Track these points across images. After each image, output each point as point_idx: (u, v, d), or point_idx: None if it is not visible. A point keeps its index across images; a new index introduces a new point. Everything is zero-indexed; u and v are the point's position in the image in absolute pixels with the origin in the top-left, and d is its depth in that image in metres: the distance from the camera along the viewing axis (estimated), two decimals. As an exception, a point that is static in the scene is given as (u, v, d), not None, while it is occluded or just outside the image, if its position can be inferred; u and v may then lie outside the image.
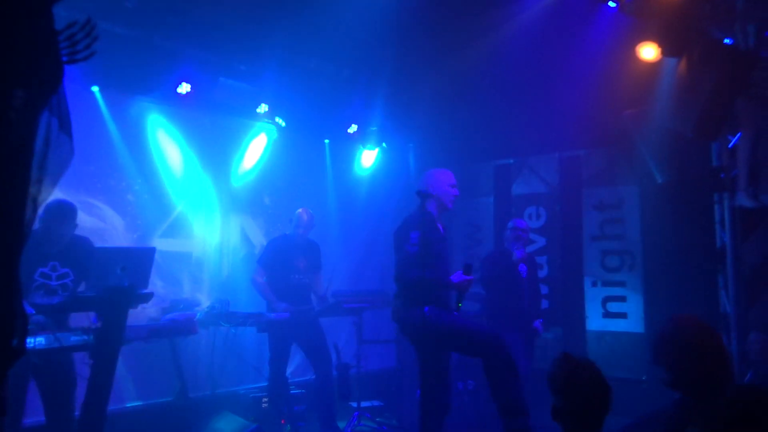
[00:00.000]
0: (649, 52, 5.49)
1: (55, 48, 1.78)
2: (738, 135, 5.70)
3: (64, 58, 1.87)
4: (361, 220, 7.85)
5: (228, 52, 5.88)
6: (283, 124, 6.74)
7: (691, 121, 5.47)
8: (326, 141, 7.47)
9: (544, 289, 7.23)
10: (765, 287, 5.67)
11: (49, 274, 4.09)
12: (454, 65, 6.09)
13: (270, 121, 6.73)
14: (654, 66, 5.65)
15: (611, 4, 5.01)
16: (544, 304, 7.15)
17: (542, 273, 7.32)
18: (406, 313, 4.10)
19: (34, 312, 3.76)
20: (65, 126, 1.95)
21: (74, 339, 3.81)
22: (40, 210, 1.89)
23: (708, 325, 2.43)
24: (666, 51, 5.37)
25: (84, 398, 3.80)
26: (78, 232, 4.29)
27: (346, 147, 7.65)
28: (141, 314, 4.61)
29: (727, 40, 5.41)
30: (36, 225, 1.92)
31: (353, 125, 7.21)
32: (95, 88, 5.43)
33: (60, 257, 4.13)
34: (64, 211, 4.10)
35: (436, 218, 4.31)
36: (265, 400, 5.67)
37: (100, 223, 5.44)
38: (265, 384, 5.70)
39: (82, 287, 4.23)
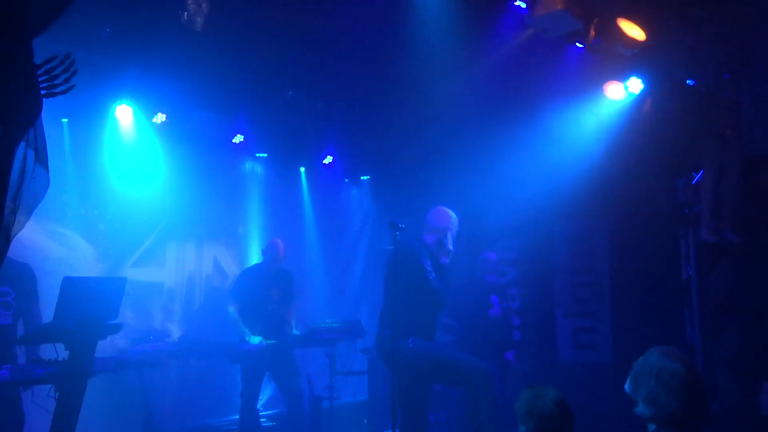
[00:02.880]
0: (615, 90, 5.69)
1: (34, 82, 1.80)
2: (701, 172, 5.90)
3: (43, 92, 1.89)
4: (334, 250, 7.87)
5: (204, 83, 5.92)
6: (265, 155, 6.78)
7: (656, 158, 5.66)
8: (302, 169, 7.50)
9: (516, 321, 7.29)
10: (729, 319, 5.82)
11: None
12: (427, 100, 6.21)
13: (249, 156, 6.77)
14: (620, 104, 5.85)
15: (578, 45, 5.19)
16: (516, 335, 7.20)
17: (514, 304, 7.39)
18: (393, 345, 4.10)
19: None
20: (41, 158, 1.96)
21: (40, 371, 3.72)
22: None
23: (689, 359, 2.46)
24: (631, 89, 5.58)
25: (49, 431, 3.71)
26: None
27: (321, 178, 7.69)
28: (110, 345, 4.54)
29: (689, 81, 5.64)
30: None
31: (329, 156, 7.28)
32: (65, 120, 5.41)
33: None
34: None
35: (430, 252, 4.36)
36: (235, 433, 5.58)
37: (71, 253, 5.37)
38: (236, 417, 5.61)
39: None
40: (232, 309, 5.61)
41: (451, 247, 4.39)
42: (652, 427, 2.38)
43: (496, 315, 5.79)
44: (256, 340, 5.37)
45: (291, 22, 5.32)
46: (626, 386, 2.46)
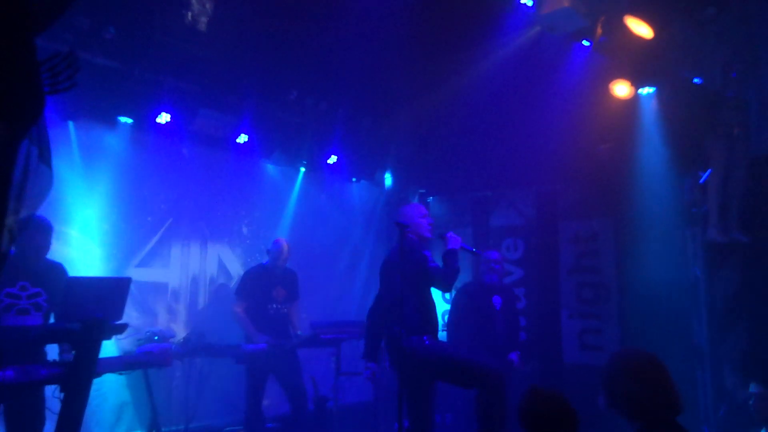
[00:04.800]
0: (621, 89, 5.66)
1: (37, 79, 1.78)
2: (708, 171, 5.86)
3: (46, 89, 1.87)
4: (339, 250, 7.85)
5: (208, 83, 5.91)
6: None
7: (663, 157, 5.63)
8: (301, 169, 7.47)
9: (521, 321, 7.25)
10: (736, 320, 5.77)
11: (18, 294, 3.99)
12: (432, 100, 6.20)
13: (253, 156, 6.75)
14: (627, 103, 5.82)
15: (585, 43, 5.16)
16: (522, 336, 7.16)
17: (520, 305, 7.35)
18: (407, 343, 4.07)
19: None
20: (45, 156, 1.93)
21: (44, 372, 3.71)
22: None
23: (655, 355, 2.47)
24: (638, 87, 5.55)
25: (54, 433, 3.70)
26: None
27: (325, 177, 7.67)
28: (114, 345, 4.53)
29: (696, 80, 5.61)
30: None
31: (333, 156, 7.26)
32: (71, 122, 5.41)
33: (31, 278, 4.04)
34: (38, 226, 4.04)
35: (417, 246, 4.36)
36: (240, 434, 5.57)
37: (75, 253, 5.36)
38: (241, 417, 5.60)
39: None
40: (239, 309, 5.59)
41: (451, 234, 4.39)
42: (635, 425, 2.38)
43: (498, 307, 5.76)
44: (263, 340, 5.38)
45: (294, 21, 5.32)
46: (600, 401, 2.45)
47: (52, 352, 4.16)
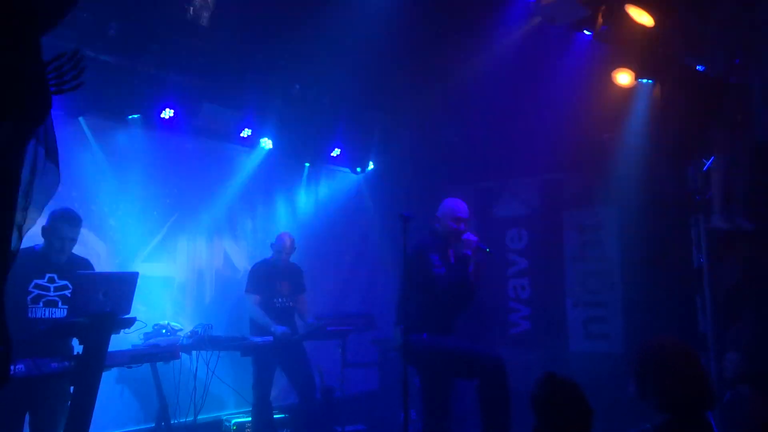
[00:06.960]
0: (624, 78, 5.65)
1: (43, 79, 1.81)
2: (712, 159, 5.85)
3: (52, 89, 1.89)
4: (344, 242, 7.88)
5: (211, 78, 5.93)
6: (270, 145, 6.77)
7: (666, 145, 5.62)
8: (306, 164, 7.50)
9: (526, 310, 7.28)
10: (741, 307, 5.78)
11: (46, 286, 4.06)
12: (435, 91, 6.20)
13: (254, 145, 6.77)
14: (629, 91, 5.81)
15: (586, 32, 5.14)
16: (527, 325, 7.20)
17: (524, 294, 7.39)
18: (406, 339, 4.10)
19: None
20: (52, 155, 1.97)
21: (54, 366, 3.77)
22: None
23: (691, 347, 2.47)
24: (640, 76, 5.54)
25: (64, 426, 3.75)
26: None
27: (329, 170, 7.70)
28: (122, 339, 4.57)
29: (699, 67, 5.59)
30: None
31: (336, 149, 7.27)
32: (81, 118, 5.45)
33: (58, 270, 4.10)
34: (68, 218, 4.10)
35: (443, 244, 4.33)
36: (248, 425, 5.62)
37: (82, 248, 5.40)
38: (249, 409, 5.65)
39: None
40: (254, 303, 5.61)
41: (467, 236, 4.27)
42: (662, 415, 2.38)
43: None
44: (281, 329, 5.41)
45: (296, 15, 5.32)
46: (630, 388, 2.44)
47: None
